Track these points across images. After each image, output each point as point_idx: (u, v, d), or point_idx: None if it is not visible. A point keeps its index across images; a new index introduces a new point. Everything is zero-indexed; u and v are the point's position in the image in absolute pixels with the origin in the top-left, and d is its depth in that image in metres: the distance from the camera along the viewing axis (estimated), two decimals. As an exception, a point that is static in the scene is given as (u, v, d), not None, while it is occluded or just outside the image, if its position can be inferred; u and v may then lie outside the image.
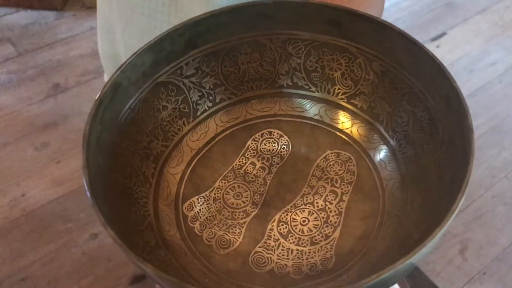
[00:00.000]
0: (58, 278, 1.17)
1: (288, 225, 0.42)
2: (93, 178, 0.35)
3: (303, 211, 0.43)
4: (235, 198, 0.44)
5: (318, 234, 0.41)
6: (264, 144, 0.47)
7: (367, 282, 0.29)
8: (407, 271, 0.32)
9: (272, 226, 0.42)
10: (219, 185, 0.45)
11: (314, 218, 0.42)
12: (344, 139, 0.46)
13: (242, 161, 0.46)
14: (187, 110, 0.47)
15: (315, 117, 0.48)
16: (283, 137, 0.48)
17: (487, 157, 1.63)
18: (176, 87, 0.46)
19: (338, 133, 0.47)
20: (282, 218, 0.43)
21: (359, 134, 0.46)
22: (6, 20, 2.01)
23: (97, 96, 0.38)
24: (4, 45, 1.89)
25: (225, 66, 0.47)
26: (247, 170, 0.46)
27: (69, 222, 1.29)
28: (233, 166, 0.46)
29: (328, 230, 0.42)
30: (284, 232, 0.42)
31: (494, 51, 2.02)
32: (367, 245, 0.40)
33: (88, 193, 0.33)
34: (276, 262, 0.40)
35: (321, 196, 0.44)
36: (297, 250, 0.41)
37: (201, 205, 0.44)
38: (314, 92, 0.48)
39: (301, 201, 0.44)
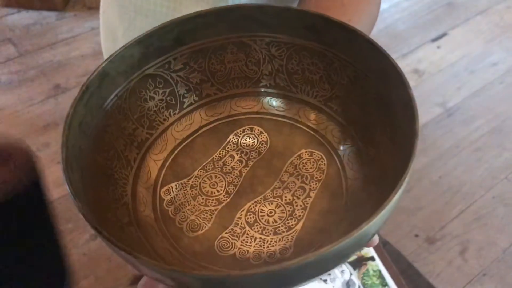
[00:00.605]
0: (58, 278, 1.21)
1: (255, 215, 0.45)
2: (71, 157, 0.38)
3: (271, 203, 0.46)
4: (210, 187, 0.47)
5: (282, 225, 0.44)
6: (245, 139, 0.50)
7: (304, 260, 0.31)
8: (345, 253, 0.34)
9: (240, 215, 0.45)
10: (197, 174, 0.48)
11: (281, 210, 0.45)
12: (319, 139, 0.49)
13: (222, 154, 0.49)
14: (173, 102, 0.50)
15: (295, 117, 0.50)
16: (263, 133, 0.50)
17: (488, 158, 1.60)
18: (164, 80, 0.49)
19: (313, 133, 0.49)
20: (251, 208, 0.45)
21: (333, 136, 0.48)
22: (7, 21, 2.02)
23: (84, 82, 0.41)
24: (5, 45, 1.90)
25: (212, 64, 0.50)
26: (226, 162, 0.49)
27: (69, 223, 1.31)
28: (213, 157, 0.49)
29: (291, 222, 0.44)
30: (250, 221, 0.45)
31: (495, 52, 1.99)
32: (326, 239, 0.43)
33: (61, 168, 0.36)
34: (239, 248, 0.43)
35: (290, 190, 0.46)
36: (260, 238, 0.43)
37: (178, 190, 0.47)
38: (295, 93, 0.51)
39: (271, 194, 0.46)
